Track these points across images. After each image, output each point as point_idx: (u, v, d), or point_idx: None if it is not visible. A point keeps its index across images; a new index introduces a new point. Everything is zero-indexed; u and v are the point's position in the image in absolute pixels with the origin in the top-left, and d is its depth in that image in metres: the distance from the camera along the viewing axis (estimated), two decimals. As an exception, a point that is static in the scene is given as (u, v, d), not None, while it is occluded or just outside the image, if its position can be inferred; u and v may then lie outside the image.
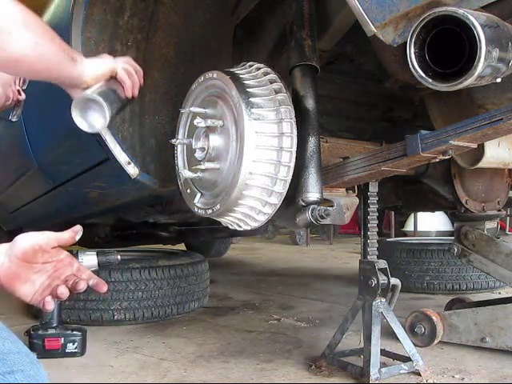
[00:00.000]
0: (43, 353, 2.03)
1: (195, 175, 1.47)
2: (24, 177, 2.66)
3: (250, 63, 1.47)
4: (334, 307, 2.96)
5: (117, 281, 2.53)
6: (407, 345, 1.85)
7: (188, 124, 1.56)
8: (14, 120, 1.53)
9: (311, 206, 1.44)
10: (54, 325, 2.10)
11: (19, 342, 0.92)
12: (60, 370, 1.94)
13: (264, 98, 1.38)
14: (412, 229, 6.23)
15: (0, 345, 0.87)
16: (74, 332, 2.10)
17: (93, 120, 1.21)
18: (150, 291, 2.60)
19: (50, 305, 0.93)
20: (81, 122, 1.21)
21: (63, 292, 0.93)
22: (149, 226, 3.52)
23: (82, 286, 0.94)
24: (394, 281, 1.80)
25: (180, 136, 1.57)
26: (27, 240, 0.90)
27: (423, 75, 1.08)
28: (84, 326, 2.26)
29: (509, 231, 6.83)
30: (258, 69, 1.44)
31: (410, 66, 1.08)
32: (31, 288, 0.92)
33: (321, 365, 1.91)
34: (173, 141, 1.53)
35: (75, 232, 0.96)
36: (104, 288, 0.98)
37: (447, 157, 1.39)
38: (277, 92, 1.40)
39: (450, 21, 1.01)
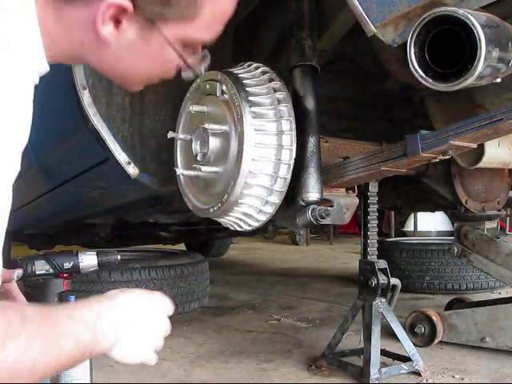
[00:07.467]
0: (43, 353, 2.02)
1: (195, 174, 1.47)
2: (24, 177, 2.65)
3: (249, 63, 1.47)
4: (334, 307, 2.96)
5: (117, 281, 2.52)
6: (407, 345, 1.85)
7: (188, 123, 1.57)
8: None
9: (311, 206, 1.44)
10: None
11: None
12: (60, 370, 1.93)
13: (263, 96, 1.38)
14: (412, 229, 6.22)
15: None
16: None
17: None
18: (149, 291, 2.60)
19: None
20: None
21: None
22: (149, 226, 3.51)
23: None
24: (394, 281, 1.80)
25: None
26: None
27: (423, 75, 1.08)
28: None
29: (509, 231, 6.83)
30: (257, 68, 1.44)
31: (410, 66, 1.08)
32: None
33: (321, 365, 1.91)
34: (173, 134, 1.52)
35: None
36: None
37: (447, 157, 1.39)
38: (276, 91, 1.40)
39: (449, 21, 1.02)
